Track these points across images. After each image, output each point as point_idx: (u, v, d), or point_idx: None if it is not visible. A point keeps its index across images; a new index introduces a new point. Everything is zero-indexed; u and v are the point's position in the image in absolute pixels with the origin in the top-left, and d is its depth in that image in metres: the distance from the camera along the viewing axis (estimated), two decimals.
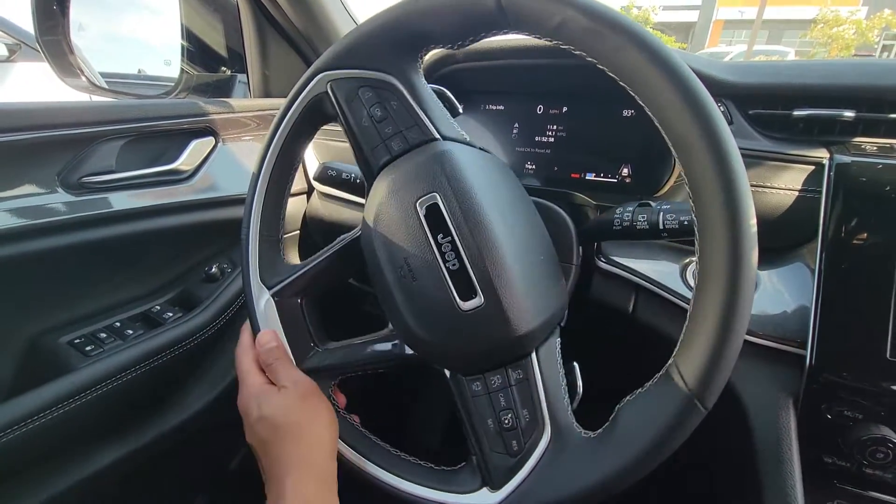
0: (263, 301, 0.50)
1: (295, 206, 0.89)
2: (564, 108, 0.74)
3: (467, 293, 0.40)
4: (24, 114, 0.56)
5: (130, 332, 0.67)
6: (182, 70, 0.92)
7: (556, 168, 0.74)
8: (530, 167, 0.76)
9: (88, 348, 0.63)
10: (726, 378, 0.33)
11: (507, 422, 0.40)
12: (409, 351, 0.46)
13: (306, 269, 0.50)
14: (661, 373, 0.36)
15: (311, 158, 0.91)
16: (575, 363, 0.45)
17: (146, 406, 0.69)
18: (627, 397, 0.37)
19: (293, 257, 0.91)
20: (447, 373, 0.44)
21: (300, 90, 0.48)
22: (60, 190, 0.60)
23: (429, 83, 0.78)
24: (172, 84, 0.94)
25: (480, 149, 0.48)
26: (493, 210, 0.42)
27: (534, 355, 0.42)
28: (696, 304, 0.34)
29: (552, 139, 0.75)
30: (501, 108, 0.79)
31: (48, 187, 0.59)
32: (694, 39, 24.07)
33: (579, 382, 0.44)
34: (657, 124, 0.35)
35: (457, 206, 0.41)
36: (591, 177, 0.72)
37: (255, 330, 0.50)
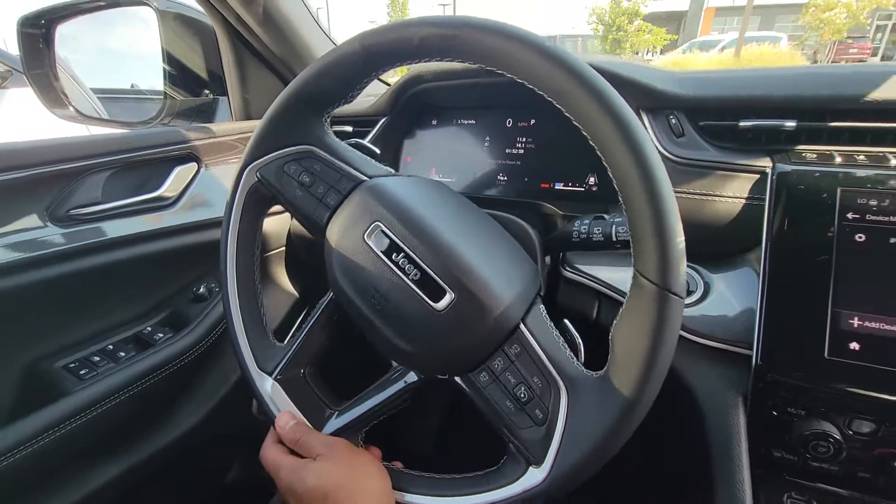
0: (268, 386, 0.52)
1: (279, 224, 0.92)
2: (532, 121, 0.77)
3: (437, 294, 0.43)
4: (11, 154, 0.59)
5: (123, 354, 0.70)
6: (165, 94, 0.95)
7: (526, 179, 0.77)
8: (502, 178, 0.79)
9: (83, 372, 0.66)
10: (680, 262, 0.36)
11: (523, 396, 0.42)
12: (413, 378, 0.48)
13: (297, 344, 0.53)
14: (630, 287, 0.38)
15: None
16: (565, 320, 0.47)
17: (140, 425, 0.72)
18: (615, 321, 0.39)
19: (280, 275, 0.94)
20: (457, 379, 0.45)
21: (235, 187, 0.53)
22: (50, 223, 0.63)
23: (399, 102, 0.82)
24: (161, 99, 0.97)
25: (409, 175, 0.53)
26: (432, 216, 0.45)
27: (522, 326, 0.43)
28: (631, 223, 0.37)
29: (522, 151, 0.78)
30: (473, 122, 0.82)
31: (38, 222, 0.62)
32: (686, 28, 24.03)
33: (576, 335, 0.46)
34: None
35: (399, 225, 0.44)
36: (560, 186, 0.74)
37: (270, 416, 0.51)
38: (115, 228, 0.69)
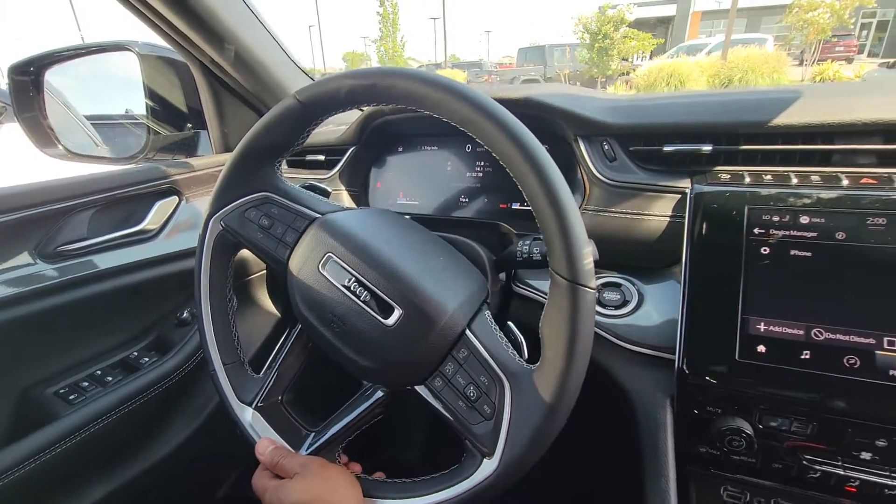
0: (249, 416, 0.57)
1: None
2: None
3: (386, 311, 0.48)
4: (1, 198, 0.64)
5: (110, 378, 0.75)
6: (149, 129, 1.01)
7: (486, 200, 0.83)
8: (464, 200, 0.85)
9: (72, 397, 0.71)
10: (584, 257, 0.41)
11: (472, 394, 0.46)
12: (380, 393, 0.53)
13: (273, 373, 0.58)
14: (549, 286, 0.43)
15: None
16: (509, 322, 0.52)
17: (129, 445, 0.77)
18: (542, 317, 0.44)
19: (263, 297, 0.99)
20: (417, 388, 0.49)
21: (203, 237, 0.59)
22: (39, 260, 0.68)
23: (366, 132, 0.87)
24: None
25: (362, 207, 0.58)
26: (378, 242, 0.51)
27: (468, 332, 0.48)
28: (541, 228, 0.42)
29: (481, 174, 0.83)
30: (436, 148, 0.88)
31: (28, 259, 0.67)
32: (673, 33, 24.32)
33: (518, 335, 0.51)
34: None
35: (348, 253, 0.50)
36: (516, 206, 0.80)
37: (251, 443, 0.56)
38: (100, 262, 0.75)
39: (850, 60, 15.86)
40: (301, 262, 0.53)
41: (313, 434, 0.56)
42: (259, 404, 0.57)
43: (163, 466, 0.80)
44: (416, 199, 0.89)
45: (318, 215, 0.54)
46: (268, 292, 1.02)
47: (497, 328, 0.50)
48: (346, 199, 0.90)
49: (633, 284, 0.63)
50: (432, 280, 0.49)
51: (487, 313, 0.51)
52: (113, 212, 0.77)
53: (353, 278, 0.50)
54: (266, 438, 0.54)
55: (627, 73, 12.15)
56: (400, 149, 0.91)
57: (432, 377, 0.48)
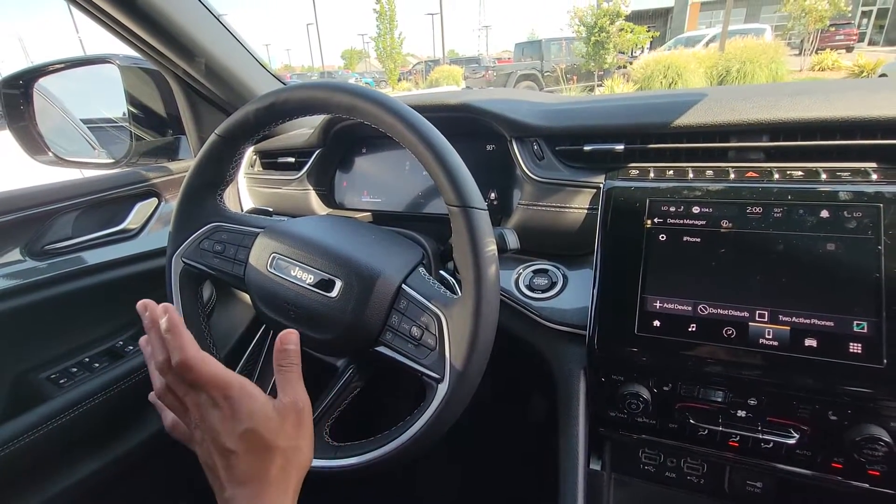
0: None
1: None
2: None
3: (329, 287, 0.55)
4: None
5: (97, 364, 0.83)
6: (132, 135, 1.08)
7: (440, 196, 0.89)
8: (420, 197, 0.91)
9: (62, 381, 0.78)
10: (468, 182, 0.49)
11: (417, 334, 0.52)
12: (348, 365, 0.60)
13: (254, 375, 0.67)
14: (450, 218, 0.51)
15: (247, 202, 1.07)
16: (441, 270, 0.62)
17: (115, 426, 0.84)
18: (452, 248, 0.51)
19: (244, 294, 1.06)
20: (376, 349, 0.55)
21: (169, 276, 0.68)
22: (28, 258, 0.76)
23: (329, 136, 0.94)
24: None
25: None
26: (314, 234, 0.59)
27: (404, 286, 0.55)
28: (429, 172, 0.50)
29: None
30: (395, 149, 0.94)
31: (18, 257, 0.75)
32: (672, 24, 24.22)
33: (450, 278, 0.60)
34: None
35: (288, 248, 0.58)
36: None
37: None
38: (86, 259, 0.82)
39: (850, 49, 15.80)
40: (252, 269, 0.61)
41: None
42: None
43: (149, 444, 0.88)
44: (379, 197, 0.96)
45: (262, 228, 0.63)
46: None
47: (431, 278, 0.57)
48: (313, 199, 0.97)
49: (559, 270, 0.70)
50: (364, 252, 0.57)
51: (422, 269, 0.58)
52: (96, 213, 0.84)
53: (297, 267, 0.57)
54: (296, 332, 0.48)
55: (624, 67, 12.14)
56: (364, 150, 0.98)
57: (383, 332, 0.54)
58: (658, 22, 24.30)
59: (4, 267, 0.72)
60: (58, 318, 0.81)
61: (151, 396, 0.50)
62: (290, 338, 0.47)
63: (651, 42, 14.90)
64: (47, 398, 0.75)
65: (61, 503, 0.76)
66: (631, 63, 11.34)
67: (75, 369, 0.81)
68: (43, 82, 1.00)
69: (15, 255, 0.74)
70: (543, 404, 1.04)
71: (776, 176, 0.57)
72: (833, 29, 15.42)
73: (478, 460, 1.18)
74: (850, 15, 15.91)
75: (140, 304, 0.47)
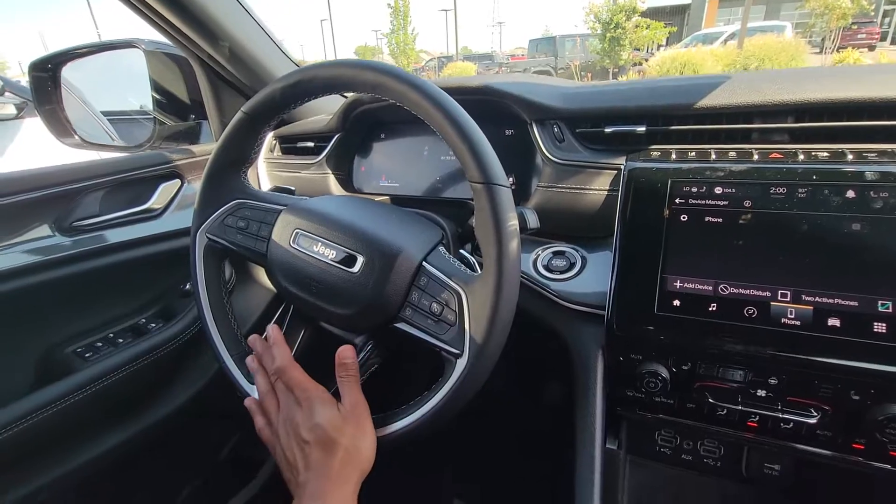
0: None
1: None
2: None
3: (351, 262, 0.56)
4: (24, 179, 0.73)
5: (122, 340, 0.85)
6: (155, 120, 1.10)
7: (457, 180, 0.90)
8: (438, 182, 0.92)
9: (88, 355, 0.80)
10: (492, 160, 0.49)
11: (437, 310, 0.52)
12: (367, 341, 0.61)
13: None
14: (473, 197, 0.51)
15: (267, 186, 1.08)
16: (461, 250, 0.61)
17: (138, 400, 0.86)
18: (474, 225, 0.51)
19: (260, 273, 1.07)
20: (396, 325, 0.55)
21: (193, 250, 0.68)
22: (57, 234, 0.78)
23: (349, 121, 0.95)
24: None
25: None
26: (337, 211, 0.60)
27: (424, 263, 0.55)
28: (454, 151, 0.51)
29: (453, 157, 0.90)
30: (414, 134, 0.95)
31: (48, 232, 0.77)
32: (690, 21, 23.87)
33: (470, 257, 0.60)
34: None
35: (311, 224, 0.59)
36: None
37: (243, 395, 0.63)
38: (111, 236, 0.84)
39: (871, 48, 15.45)
40: (275, 245, 0.62)
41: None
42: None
43: (171, 421, 0.90)
44: (396, 182, 0.97)
45: (284, 206, 0.63)
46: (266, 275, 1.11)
47: (452, 257, 0.57)
48: (332, 183, 0.98)
49: (578, 252, 0.70)
50: (386, 230, 0.58)
51: (443, 249, 0.58)
52: (122, 192, 0.86)
53: (320, 242, 0.58)
54: (352, 348, 0.58)
55: (640, 64, 12.01)
56: (382, 135, 0.99)
57: (403, 309, 0.55)
58: (675, 18, 23.96)
59: (35, 241, 0.74)
60: (84, 294, 0.83)
61: (247, 402, 0.61)
62: (346, 353, 0.57)
63: (667, 39, 14.71)
64: (74, 371, 0.77)
65: (85, 474, 0.79)
66: (647, 60, 11.22)
67: (100, 344, 0.83)
68: (66, 73, 1.03)
69: (45, 230, 0.76)
70: (560, 390, 1.04)
71: (801, 157, 0.56)
72: (855, 27, 15.09)
73: (493, 443, 1.19)
74: (872, 13, 15.57)
75: (251, 338, 0.63)
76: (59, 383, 0.74)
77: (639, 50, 12.89)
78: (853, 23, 14.25)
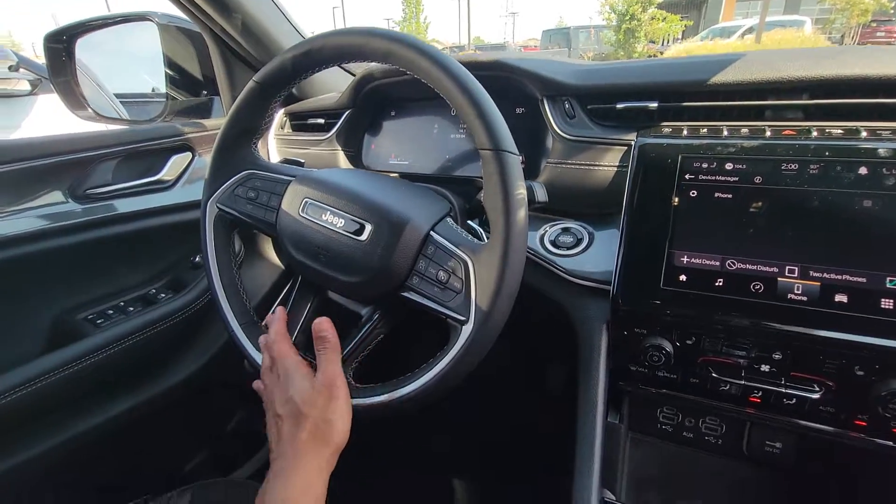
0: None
1: None
2: None
3: (359, 231, 0.56)
4: (39, 145, 0.74)
5: (132, 308, 0.86)
6: (167, 95, 1.11)
7: (467, 158, 0.90)
8: (448, 161, 0.92)
9: (99, 322, 0.82)
10: (501, 127, 0.49)
11: (443, 278, 0.52)
12: (375, 313, 0.61)
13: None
14: (481, 163, 0.51)
15: (275, 159, 1.09)
16: (468, 221, 0.61)
17: (147, 367, 0.88)
18: (482, 194, 0.51)
19: (268, 250, 1.08)
20: (403, 294, 0.55)
21: (204, 220, 0.69)
22: (71, 200, 0.79)
23: (359, 97, 0.95)
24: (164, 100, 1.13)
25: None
26: (346, 182, 0.60)
27: (432, 233, 0.55)
28: (463, 118, 0.51)
29: (463, 135, 0.90)
30: (424, 112, 0.95)
31: (61, 198, 0.78)
32: (707, 14, 23.46)
33: (477, 228, 0.60)
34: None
35: (320, 193, 0.59)
36: None
37: (251, 362, 0.64)
38: (123, 206, 0.85)
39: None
40: (284, 214, 0.62)
41: None
42: None
43: (178, 390, 0.92)
44: (406, 160, 0.97)
45: (293, 177, 0.64)
46: (273, 247, 1.12)
47: (459, 227, 0.58)
48: (342, 160, 0.98)
49: (585, 228, 0.70)
50: (395, 200, 0.58)
51: (449, 219, 0.59)
52: (134, 163, 0.87)
53: (329, 211, 0.58)
54: (329, 321, 0.58)
55: (654, 56, 11.86)
56: (392, 113, 0.99)
57: (410, 277, 0.55)
58: (692, 12, 23.54)
59: (49, 206, 0.76)
60: (96, 262, 0.85)
61: (255, 384, 0.61)
62: (323, 325, 0.56)
63: (683, 32, 14.48)
64: (85, 337, 0.79)
65: (94, 437, 0.81)
66: (661, 53, 11.06)
67: (111, 311, 0.85)
68: (79, 52, 1.03)
69: (59, 196, 0.77)
70: (562, 379, 1.04)
71: (814, 133, 0.56)
72: (874, 25, 14.77)
73: (494, 432, 1.20)
74: (892, 12, 15.21)
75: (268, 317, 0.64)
76: (70, 347, 0.75)
77: (654, 42, 12.72)
78: (872, 20, 13.95)
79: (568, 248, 0.69)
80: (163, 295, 0.91)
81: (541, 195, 0.67)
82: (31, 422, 0.73)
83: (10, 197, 0.72)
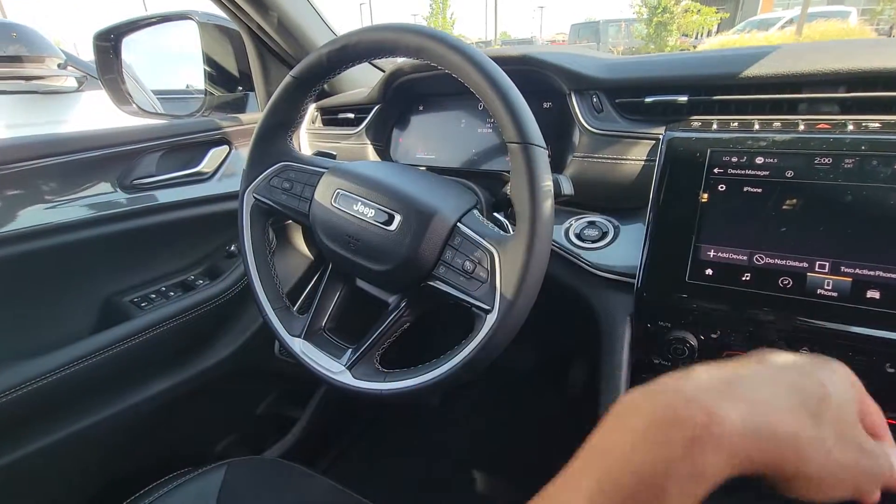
0: (298, 344, 0.68)
1: None
2: None
3: (389, 221, 0.59)
4: (91, 138, 0.79)
5: (172, 293, 0.91)
6: (206, 91, 1.15)
7: (493, 152, 0.91)
8: (474, 155, 0.93)
9: (143, 305, 0.87)
10: (529, 121, 0.50)
11: (469, 267, 0.54)
12: (400, 301, 0.64)
13: (313, 310, 0.70)
14: (509, 157, 0.52)
15: (305, 148, 1.12)
16: (494, 213, 0.63)
17: (185, 349, 0.93)
18: (509, 186, 0.52)
19: (298, 240, 1.12)
20: (429, 283, 0.57)
21: (241, 209, 0.72)
22: (119, 190, 0.84)
23: (388, 92, 0.98)
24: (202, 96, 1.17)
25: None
26: (377, 173, 0.63)
27: (459, 224, 0.57)
28: (492, 113, 0.52)
29: (489, 129, 0.92)
30: (451, 107, 0.96)
31: (110, 188, 0.83)
32: (744, 6, 22.64)
33: (503, 220, 0.62)
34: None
35: (352, 184, 0.61)
36: None
37: (283, 344, 0.68)
38: (166, 196, 0.90)
39: None
40: (317, 204, 0.65)
41: (351, 349, 0.66)
42: (305, 334, 0.69)
43: (212, 373, 0.96)
44: (432, 154, 0.98)
45: (326, 169, 0.66)
46: (304, 237, 1.16)
47: (485, 220, 0.59)
48: (370, 154, 1.01)
49: (611, 223, 0.70)
50: (423, 192, 0.60)
51: (476, 212, 0.60)
52: (176, 155, 0.91)
53: (360, 202, 0.61)
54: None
55: (687, 51, 11.54)
56: (420, 108, 1.01)
57: (437, 266, 0.57)
58: (729, 3, 22.75)
59: (100, 195, 0.81)
60: (141, 248, 0.89)
61: None
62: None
63: (719, 25, 14.02)
64: (130, 318, 0.84)
65: (134, 414, 0.85)
66: (695, 47, 10.76)
67: (154, 296, 0.90)
68: (131, 41, 1.08)
69: (108, 185, 0.82)
70: (585, 369, 1.05)
71: (850, 127, 0.55)
72: None
73: (519, 415, 1.21)
74: None
75: None
76: (118, 327, 0.80)
77: (687, 36, 12.37)
78: None
79: (593, 242, 0.69)
80: (200, 282, 0.95)
81: (567, 188, 0.68)
82: (79, 398, 0.78)
83: (65, 186, 0.77)
